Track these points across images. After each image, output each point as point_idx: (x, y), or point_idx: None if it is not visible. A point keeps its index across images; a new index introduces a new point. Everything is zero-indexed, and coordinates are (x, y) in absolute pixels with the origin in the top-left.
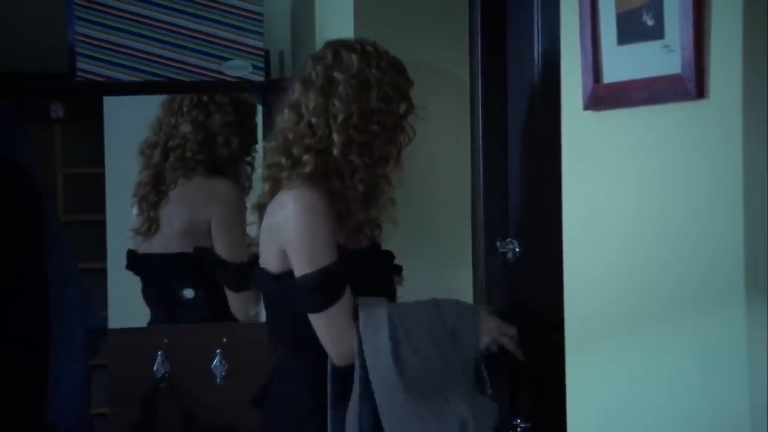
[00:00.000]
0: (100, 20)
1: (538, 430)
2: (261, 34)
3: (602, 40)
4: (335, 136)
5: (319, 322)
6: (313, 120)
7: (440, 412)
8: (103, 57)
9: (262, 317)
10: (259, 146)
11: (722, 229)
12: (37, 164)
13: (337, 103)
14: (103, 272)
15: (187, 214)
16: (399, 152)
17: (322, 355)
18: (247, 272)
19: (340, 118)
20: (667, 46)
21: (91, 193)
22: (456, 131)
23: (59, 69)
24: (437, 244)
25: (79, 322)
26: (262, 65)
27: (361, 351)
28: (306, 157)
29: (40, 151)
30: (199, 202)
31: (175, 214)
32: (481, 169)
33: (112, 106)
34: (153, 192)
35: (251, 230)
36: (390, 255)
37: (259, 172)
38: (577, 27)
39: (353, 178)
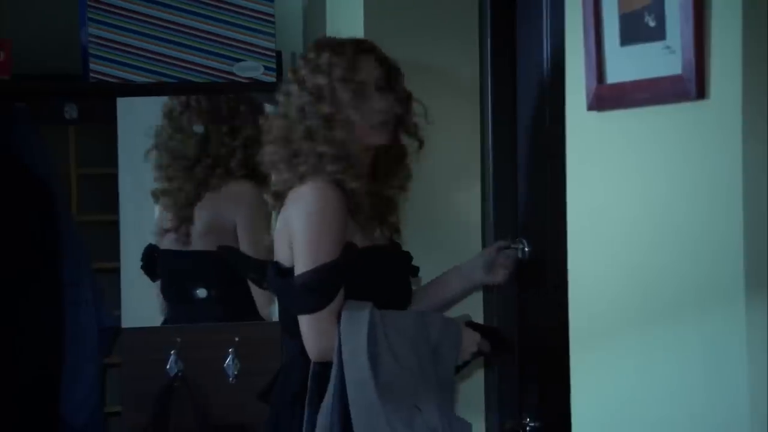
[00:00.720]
0: (113, 22)
1: (547, 429)
2: (272, 35)
3: (605, 40)
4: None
5: (303, 320)
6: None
7: (411, 420)
8: (115, 58)
9: (275, 316)
10: None
11: (722, 228)
12: (51, 165)
13: (326, 108)
14: (116, 272)
15: (213, 214)
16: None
17: None
18: None
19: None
20: (668, 47)
21: (105, 193)
22: (465, 131)
23: (73, 71)
24: (447, 244)
25: (92, 322)
26: (273, 66)
27: (339, 349)
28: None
29: (55, 152)
30: (226, 204)
31: (202, 214)
32: (491, 170)
33: (126, 106)
34: (188, 194)
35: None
36: (408, 256)
37: None
38: (581, 28)
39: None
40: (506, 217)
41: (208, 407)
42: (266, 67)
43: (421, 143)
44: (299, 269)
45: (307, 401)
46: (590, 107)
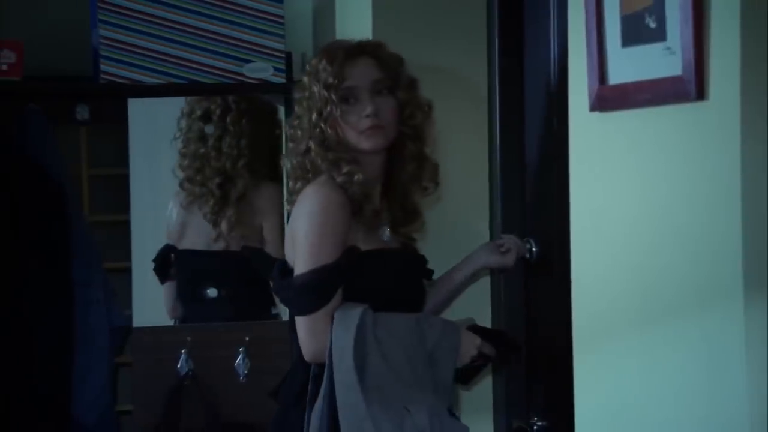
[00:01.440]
0: (124, 23)
1: (555, 429)
2: (282, 36)
3: (607, 42)
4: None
5: (299, 320)
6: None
7: (400, 421)
8: (126, 60)
9: (285, 315)
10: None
11: (722, 228)
12: (63, 165)
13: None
14: (128, 272)
15: (241, 215)
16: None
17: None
18: None
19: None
20: (668, 48)
21: (116, 193)
22: (473, 132)
23: (84, 72)
24: (456, 244)
25: (103, 321)
26: (283, 67)
27: (330, 350)
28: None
29: (67, 153)
30: (254, 206)
31: (229, 215)
32: (499, 170)
33: (137, 107)
34: (218, 197)
35: None
36: (422, 259)
37: None
38: (584, 29)
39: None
40: (514, 217)
41: (218, 406)
42: (276, 68)
43: (421, 146)
44: (298, 269)
45: (307, 402)
46: (593, 108)
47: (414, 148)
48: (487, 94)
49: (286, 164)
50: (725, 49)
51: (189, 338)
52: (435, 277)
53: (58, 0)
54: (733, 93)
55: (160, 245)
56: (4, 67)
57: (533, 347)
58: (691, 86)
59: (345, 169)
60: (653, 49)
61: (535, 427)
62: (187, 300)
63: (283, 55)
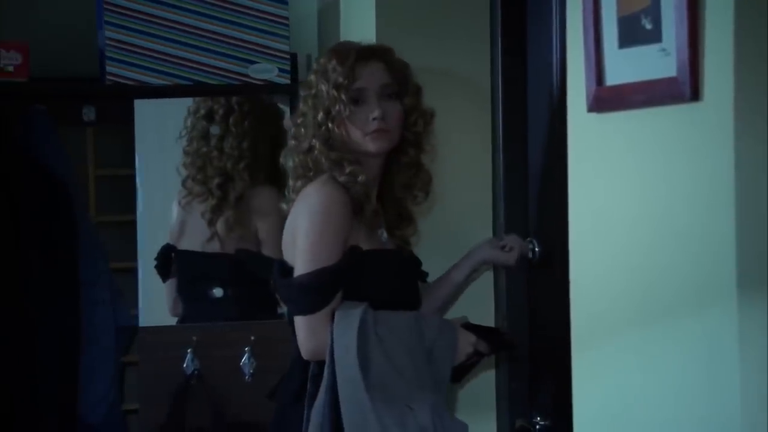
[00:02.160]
0: (129, 25)
1: (557, 428)
2: (286, 37)
3: (604, 43)
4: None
5: (299, 320)
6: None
7: (402, 419)
8: (132, 61)
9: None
10: None
11: (717, 227)
12: (69, 166)
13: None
14: (134, 272)
15: (237, 218)
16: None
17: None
18: None
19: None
20: (664, 50)
21: (122, 194)
22: (476, 132)
23: (91, 73)
24: (459, 244)
25: (109, 321)
26: (288, 68)
27: (332, 348)
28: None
29: (73, 153)
30: (249, 209)
31: (225, 218)
32: (502, 170)
33: (143, 108)
34: (218, 199)
35: None
36: (417, 261)
37: None
38: (581, 30)
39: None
40: (516, 217)
41: (224, 405)
42: (281, 69)
43: (420, 154)
44: (299, 269)
45: (306, 401)
46: (590, 109)
47: (413, 154)
48: (490, 95)
49: (287, 162)
50: (719, 50)
51: (195, 338)
52: (436, 275)
53: (64, 2)
54: (726, 94)
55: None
56: (11, 69)
57: (536, 347)
58: (685, 87)
59: (348, 169)
60: (649, 50)
61: (537, 427)
62: (190, 299)
63: (287, 57)
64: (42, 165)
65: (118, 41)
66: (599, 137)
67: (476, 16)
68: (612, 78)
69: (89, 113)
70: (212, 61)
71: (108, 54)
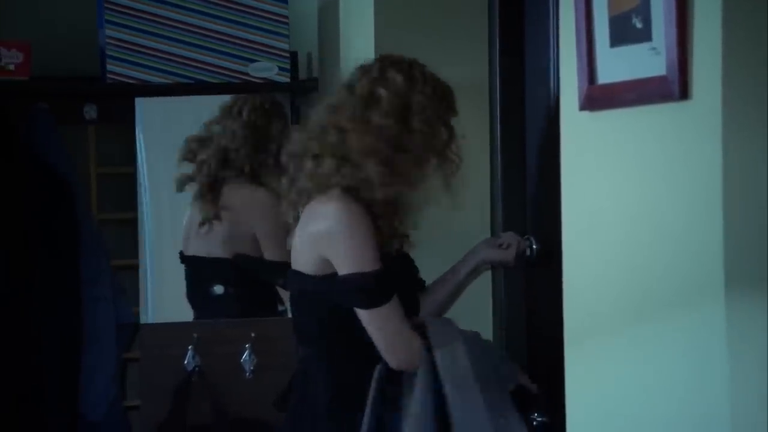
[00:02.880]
0: (130, 24)
1: (554, 424)
2: (286, 36)
3: (596, 42)
4: (359, 146)
5: (373, 321)
6: (347, 125)
7: (505, 427)
8: (132, 59)
9: (290, 313)
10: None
11: (704, 224)
12: (71, 164)
13: (376, 117)
14: (135, 269)
15: (231, 222)
16: (422, 176)
17: (348, 358)
18: None
19: (375, 131)
20: (654, 49)
21: (124, 191)
22: (474, 132)
23: (93, 72)
24: (457, 244)
25: (111, 318)
26: (287, 66)
27: (430, 355)
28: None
29: (75, 152)
30: (243, 213)
31: (221, 223)
32: (500, 170)
33: (144, 106)
34: (210, 193)
35: None
36: (414, 267)
37: None
38: (574, 29)
39: (373, 191)
40: (515, 216)
41: (224, 401)
42: (280, 68)
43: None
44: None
45: (371, 406)
46: (582, 107)
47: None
48: (489, 94)
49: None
50: (708, 49)
51: (196, 335)
52: (434, 275)
53: (65, 1)
54: (715, 92)
55: (167, 243)
56: (12, 67)
57: (533, 344)
58: (675, 86)
59: (362, 176)
60: (639, 49)
61: (534, 423)
62: (197, 305)
63: (287, 55)
64: (44, 163)
65: (119, 40)
66: (591, 135)
67: (475, 16)
68: (604, 77)
69: (91, 111)
70: (212, 60)
71: (109, 53)
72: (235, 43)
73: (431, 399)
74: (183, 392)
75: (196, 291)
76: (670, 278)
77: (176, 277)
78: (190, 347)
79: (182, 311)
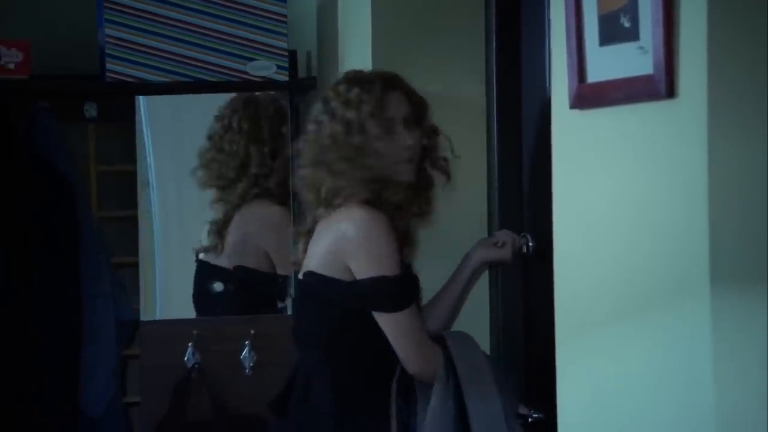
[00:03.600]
0: (129, 23)
1: (550, 420)
2: (285, 35)
3: (586, 41)
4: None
5: (397, 326)
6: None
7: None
8: (132, 58)
9: (290, 310)
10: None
11: (690, 221)
12: (71, 162)
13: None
14: (135, 266)
15: (244, 236)
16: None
17: (352, 365)
18: None
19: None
20: (641, 48)
21: (124, 189)
22: (472, 131)
23: (93, 70)
24: (455, 244)
25: (110, 314)
26: (286, 65)
27: (451, 364)
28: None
29: (75, 150)
30: (256, 229)
31: (233, 237)
32: (497, 168)
33: (150, 104)
34: (224, 212)
35: None
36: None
37: None
38: (564, 29)
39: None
40: (512, 214)
41: (224, 398)
42: (279, 66)
43: (448, 177)
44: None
45: (396, 414)
46: (572, 106)
47: (429, 177)
48: (485, 91)
49: (311, 190)
50: (693, 49)
51: (195, 332)
52: (432, 277)
53: (64, 0)
54: (700, 91)
55: (168, 240)
56: (12, 66)
57: (530, 340)
58: (661, 85)
59: (384, 194)
60: (627, 48)
61: (530, 419)
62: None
63: (285, 54)
64: (44, 161)
65: (118, 39)
66: (581, 134)
67: (472, 14)
68: (593, 75)
69: (91, 110)
70: (212, 59)
71: (108, 51)
72: (234, 42)
73: (452, 404)
74: (183, 389)
75: (199, 289)
76: (656, 275)
77: (183, 275)
78: (190, 344)
79: (190, 309)
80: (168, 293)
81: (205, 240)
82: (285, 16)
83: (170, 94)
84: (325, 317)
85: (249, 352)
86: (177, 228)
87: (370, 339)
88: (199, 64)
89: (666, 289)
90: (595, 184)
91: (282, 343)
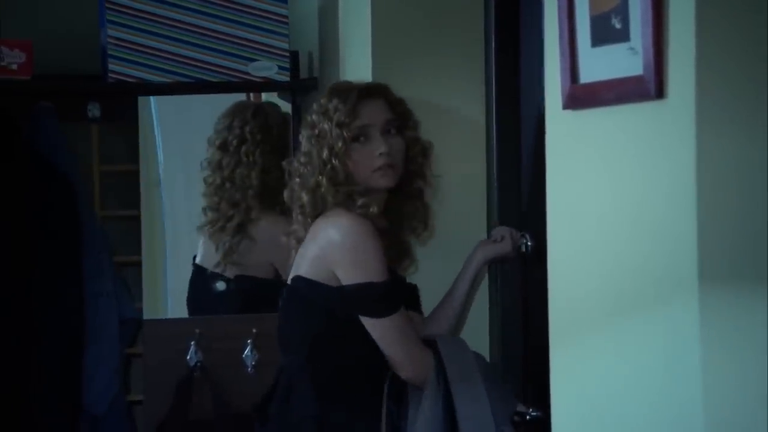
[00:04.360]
0: (131, 23)
1: (548, 418)
2: (286, 36)
3: (578, 42)
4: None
5: (386, 332)
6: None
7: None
8: (134, 59)
9: None
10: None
11: (679, 221)
12: (74, 162)
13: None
14: (138, 265)
15: (248, 249)
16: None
17: (336, 368)
18: None
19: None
20: (632, 48)
21: (127, 189)
22: (471, 131)
23: (96, 71)
24: (453, 243)
25: (113, 313)
26: (287, 66)
27: (441, 367)
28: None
29: (78, 150)
30: (263, 240)
31: (241, 247)
32: (495, 168)
33: (146, 105)
34: (234, 227)
35: None
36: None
37: None
38: (557, 29)
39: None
40: (511, 214)
41: (226, 396)
42: (280, 67)
43: (430, 186)
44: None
45: (387, 419)
46: (565, 106)
47: (417, 186)
48: (485, 91)
49: (297, 200)
50: (682, 50)
51: (198, 330)
52: (432, 278)
53: (66, 1)
54: (689, 92)
55: (169, 239)
56: (15, 67)
57: (529, 339)
58: (651, 85)
59: (360, 202)
60: (618, 49)
61: (528, 417)
62: (197, 297)
63: (287, 54)
64: (47, 161)
65: (120, 39)
66: (574, 134)
67: (472, 16)
68: (585, 76)
69: (94, 110)
70: (213, 59)
71: (110, 52)
72: (235, 43)
73: (442, 406)
74: (185, 387)
75: (192, 301)
76: (645, 274)
77: (189, 274)
78: (192, 343)
79: None
80: (174, 292)
81: (205, 245)
82: (286, 16)
83: (172, 94)
84: (311, 322)
85: (251, 350)
86: (183, 227)
87: (354, 345)
88: (200, 64)
89: (656, 288)
90: (587, 184)
91: None
